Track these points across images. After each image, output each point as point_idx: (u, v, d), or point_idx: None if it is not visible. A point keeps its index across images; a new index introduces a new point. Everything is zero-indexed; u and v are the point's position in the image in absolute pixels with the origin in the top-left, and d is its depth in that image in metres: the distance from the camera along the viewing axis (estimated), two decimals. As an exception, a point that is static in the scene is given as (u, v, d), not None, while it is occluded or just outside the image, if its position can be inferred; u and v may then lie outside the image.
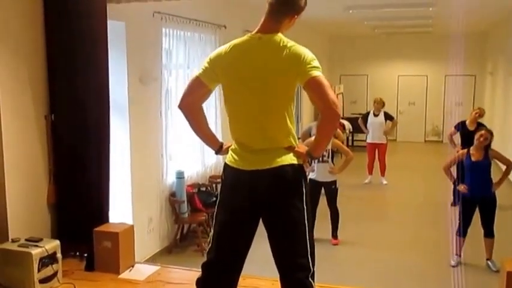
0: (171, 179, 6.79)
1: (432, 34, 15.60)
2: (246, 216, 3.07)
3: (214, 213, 3.18)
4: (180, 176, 6.77)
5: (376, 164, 10.98)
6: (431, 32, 14.99)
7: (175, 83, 6.94)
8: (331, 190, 7.09)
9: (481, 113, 8.57)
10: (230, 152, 3.12)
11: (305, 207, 3.01)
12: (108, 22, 4.71)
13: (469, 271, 6.25)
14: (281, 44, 2.91)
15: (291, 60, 2.87)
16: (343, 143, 13.90)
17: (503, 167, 6.41)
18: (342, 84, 16.83)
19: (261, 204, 3.02)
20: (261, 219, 3.09)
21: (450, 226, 6.70)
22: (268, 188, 2.97)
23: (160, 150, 6.54)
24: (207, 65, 3.07)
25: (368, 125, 10.91)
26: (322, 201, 7.16)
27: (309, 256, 3.01)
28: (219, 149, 3.31)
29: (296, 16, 3.04)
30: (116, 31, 5.46)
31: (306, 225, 3.00)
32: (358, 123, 11.43)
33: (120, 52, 5.67)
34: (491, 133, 6.35)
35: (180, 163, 7.02)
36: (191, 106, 3.12)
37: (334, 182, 7.05)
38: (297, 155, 3.04)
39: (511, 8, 10.28)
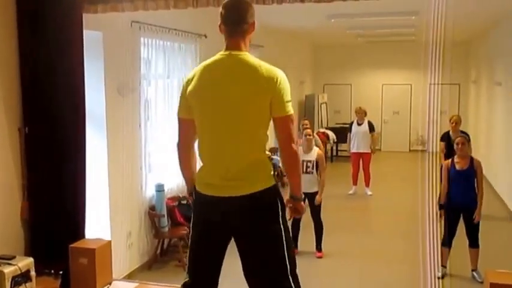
0: (150, 192, 6.72)
1: (415, 43, 15.69)
2: (218, 240, 3.10)
3: (190, 235, 3.20)
4: (159, 189, 6.70)
5: (361, 174, 10.97)
6: (414, 40, 15.09)
7: (155, 93, 6.89)
8: (315, 201, 7.06)
9: (456, 121, 8.63)
10: (199, 176, 3.10)
11: (282, 227, 3.01)
12: (85, 32, 4.67)
13: (456, 282, 6.28)
14: (252, 64, 2.93)
15: (265, 84, 2.89)
16: (327, 153, 14.00)
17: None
18: (325, 94, 16.89)
19: (236, 231, 3.04)
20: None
21: (435, 237, 6.70)
22: (241, 216, 2.98)
23: (139, 162, 6.47)
24: (180, 96, 3.12)
25: (352, 135, 10.93)
26: (306, 212, 7.12)
27: (290, 276, 3.00)
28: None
29: (252, 29, 3.06)
30: (92, 41, 5.40)
31: (285, 245, 3.00)
32: (345, 135, 11.41)
33: (97, 62, 5.60)
34: (467, 138, 6.44)
35: (160, 176, 6.95)
36: (183, 145, 3.18)
37: (318, 193, 7.02)
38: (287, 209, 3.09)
39: (493, 18, 10.39)
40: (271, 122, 3.00)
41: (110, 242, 4.69)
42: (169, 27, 6.84)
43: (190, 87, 3.01)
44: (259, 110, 2.91)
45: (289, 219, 3.18)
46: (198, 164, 3.20)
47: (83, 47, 4.51)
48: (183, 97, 3.09)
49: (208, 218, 3.05)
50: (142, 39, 6.39)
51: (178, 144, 3.21)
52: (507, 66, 10.22)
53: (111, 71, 5.81)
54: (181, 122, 3.14)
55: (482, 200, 6.19)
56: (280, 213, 3.02)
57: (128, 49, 6.13)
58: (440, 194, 6.41)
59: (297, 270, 3.09)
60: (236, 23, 2.99)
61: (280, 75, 2.94)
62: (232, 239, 3.12)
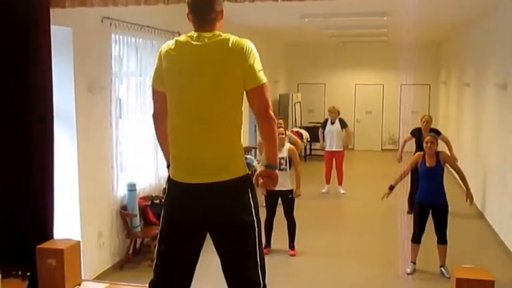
0: (122, 191, 6.58)
1: (388, 43, 15.82)
2: (191, 233, 2.97)
3: (159, 228, 3.06)
4: (131, 188, 6.57)
5: (334, 173, 10.96)
6: (387, 41, 15.20)
7: (127, 91, 6.76)
8: (288, 199, 7.01)
9: (427, 120, 8.72)
10: (172, 163, 3.00)
11: (254, 218, 2.94)
12: (53, 28, 4.53)
13: (424, 278, 6.31)
14: (222, 38, 2.87)
15: (236, 56, 2.83)
16: (300, 152, 13.99)
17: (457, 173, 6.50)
18: (299, 93, 16.89)
19: (207, 220, 2.92)
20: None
21: (405, 234, 6.72)
22: (214, 204, 2.88)
23: (110, 161, 6.33)
24: (155, 68, 3.03)
25: (325, 133, 10.92)
26: (279, 210, 7.08)
27: (259, 270, 2.94)
28: None
29: (220, 17, 2.99)
30: (61, 37, 5.27)
31: (256, 238, 2.94)
32: (318, 134, 11.38)
33: (66, 59, 5.46)
34: (435, 137, 6.50)
35: (132, 175, 6.82)
36: (158, 115, 3.10)
37: (291, 191, 6.98)
38: (259, 181, 3.02)
39: (461, 19, 10.49)
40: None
41: (79, 242, 4.56)
42: (141, 24, 6.72)
43: (164, 64, 2.93)
44: (232, 85, 2.84)
45: (263, 193, 3.09)
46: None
47: (50, 43, 4.36)
48: (157, 70, 3.01)
49: (181, 206, 2.94)
50: (113, 35, 6.26)
51: (154, 115, 3.13)
52: (476, 67, 10.34)
53: (81, 68, 5.67)
54: (156, 93, 3.06)
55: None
56: (253, 205, 2.94)
57: (98, 46, 6.00)
58: (398, 178, 6.52)
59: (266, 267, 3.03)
60: (204, 12, 2.92)
61: (249, 45, 2.88)
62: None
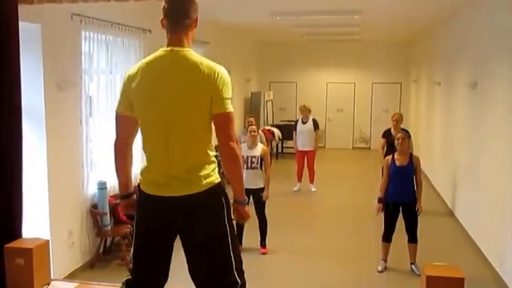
0: (92, 190, 6.55)
1: (359, 42, 15.98)
2: (162, 239, 3.03)
3: (133, 233, 3.11)
4: (102, 186, 6.53)
5: (305, 171, 11.05)
6: (358, 39, 15.34)
7: (97, 89, 6.72)
8: (260, 198, 7.05)
9: (398, 119, 8.82)
10: (142, 174, 3.02)
11: (227, 224, 2.98)
12: (21, 24, 4.46)
13: (395, 276, 6.40)
14: (194, 61, 2.87)
15: (206, 80, 2.83)
16: (272, 150, 14.05)
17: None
18: (271, 91, 16.95)
19: (180, 230, 2.98)
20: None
21: (376, 232, 6.82)
22: (185, 216, 2.92)
23: (80, 159, 6.28)
24: (121, 92, 3.02)
25: (297, 132, 10.98)
26: (251, 209, 7.10)
27: (235, 271, 2.99)
28: (127, 196, 3.23)
29: (194, 25, 3.01)
30: (30, 34, 5.22)
31: (230, 243, 2.97)
32: (290, 132, 11.44)
33: (35, 56, 5.41)
34: (407, 135, 6.59)
35: (103, 173, 6.78)
36: (122, 144, 3.09)
37: (262, 190, 7.02)
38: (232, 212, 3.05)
39: (431, 19, 10.65)
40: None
41: (47, 241, 4.50)
42: (112, 21, 6.68)
43: (132, 85, 2.93)
44: (200, 107, 2.85)
45: (234, 220, 3.14)
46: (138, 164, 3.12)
47: (18, 39, 4.31)
48: (124, 93, 3.00)
49: (152, 218, 2.98)
50: (83, 32, 6.21)
51: (116, 143, 3.11)
52: (446, 66, 10.50)
53: (51, 65, 5.62)
54: (120, 118, 3.05)
55: (421, 195, 6.38)
56: (226, 211, 2.98)
57: (68, 43, 5.95)
58: (382, 188, 6.50)
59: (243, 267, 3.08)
60: (179, 18, 2.93)
61: (220, 71, 2.89)
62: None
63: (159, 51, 2.95)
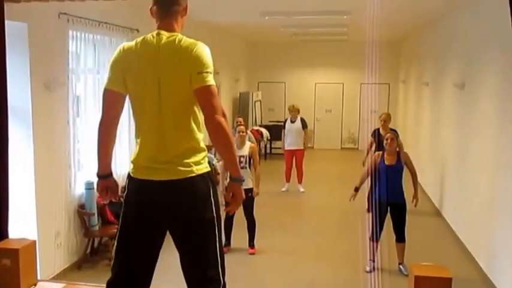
0: (80, 190, 6.53)
1: (348, 42, 16.04)
2: (151, 230, 2.98)
3: (118, 226, 3.07)
4: (89, 186, 6.51)
5: (294, 171, 11.09)
6: (347, 40, 15.41)
7: (84, 88, 6.71)
8: (248, 198, 7.03)
9: (385, 119, 8.89)
10: (133, 160, 3.00)
11: (215, 216, 2.96)
12: (7, 23, 4.47)
13: (383, 276, 6.43)
14: (174, 38, 2.88)
15: (184, 55, 2.83)
16: (260, 150, 14.07)
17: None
18: (260, 91, 16.97)
19: (168, 217, 2.94)
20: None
21: (365, 232, 6.85)
22: (175, 201, 2.90)
23: (67, 159, 6.27)
24: (111, 70, 2.99)
25: (286, 132, 11.02)
26: (239, 209, 7.11)
27: (219, 268, 2.97)
28: (105, 176, 3.17)
29: (184, 13, 3.02)
30: (16, 33, 5.19)
31: (216, 235, 2.97)
32: (279, 132, 11.47)
33: (21, 56, 5.39)
34: (395, 135, 6.66)
35: (90, 173, 6.76)
36: (108, 123, 3.03)
37: (251, 190, 7.03)
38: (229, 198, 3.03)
39: (420, 20, 10.73)
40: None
41: (34, 241, 4.50)
42: (99, 20, 6.66)
43: (125, 65, 2.92)
44: (183, 85, 2.83)
45: (229, 211, 3.11)
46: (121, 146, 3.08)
47: (4, 38, 4.30)
48: (117, 68, 2.95)
49: (140, 203, 2.94)
50: (70, 32, 6.19)
51: (101, 122, 3.03)
52: (434, 67, 10.59)
53: (38, 65, 5.60)
54: (109, 94, 2.97)
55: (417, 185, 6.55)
56: (213, 202, 2.96)
57: (55, 42, 5.93)
58: (361, 179, 6.62)
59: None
60: (168, 4, 2.94)
61: (198, 44, 2.88)
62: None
63: (149, 34, 2.95)
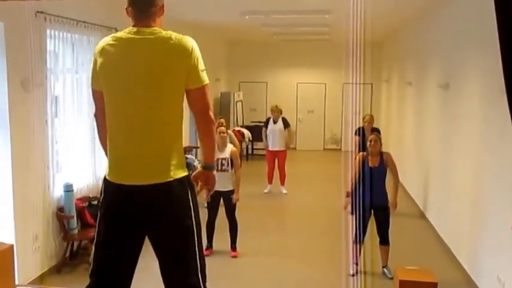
0: (58, 192, 6.51)
1: (330, 42, 16.11)
2: (128, 236, 2.96)
3: (95, 231, 3.03)
4: (68, 189, 6.50)
5: (276, 173, 11.13)
6: (328, 39, 15.48)
7: (63, 88, 6.69)
8: (230, 200, 7.10)
9: (368, 120, 8.98)
10: (108, 164, 2.97)
11: (193, 221, 2.95)
12: (-17, 22, 4.46)
13: (367, 279, 6.48)
14: (163, 35, 2.86)
15: (180, 54, 2.83)
16: (242, 151, 14.09)
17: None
18: (241, 92, 16.99)
19: (146, 223, 2.93)
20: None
21: (348, 235, 6.89)
22: (153, 206, 2.89)
23: (46, 161, 6.25)
24: (92, 67, 2.99)
25: (268, 133, 11.06)
26: (221, 211, 7.16)
27: (199, 274, 2.97)
28: None
29: (161, 12, 2.99)
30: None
31: (196, 241, 2.96)
32: (261, 133, 11.49)
33: (-3, 55, 5.37)
34: (379, 136, 6.71)
35: (69, 175, 6.75)
36: (102, 116, 3.02)
37: (232, 192, 7.08)
38: (197, 178, 3.12)
39: (401, 19, 10.82)
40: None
41: (12, 246, 4.49)
42: (77, 19, 6.65)
43: (99, 61, 2.89)
44: (173, 83, 2.84)
45: (206, 199, 3.16)
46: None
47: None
48: (94, 68, 2.95)
49: (118, 208, 2.91)
50: (48, 31, 6.18)
51: (96, 112, 3.09)
52: (417, 66, 10.68)
53: (14, 65, 5.59)
54: (95, 93, 3.01)
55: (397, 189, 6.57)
56: (192, 207, 2.95)
57: (32, 41, 5.89)
58: (351, 183, 6.59)
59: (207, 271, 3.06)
60: (144, 5, 2.90)
61: (193, 43, 2.90)
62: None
63: (127, 29, 2.91)
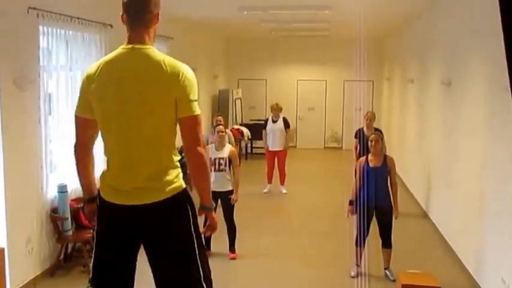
0: (52, 193, 6.45)
1: (330, 38, 16.07)
2: (124, 251, 3.00)
3: (93, 242, 3.08)
4: (62, 189, 6.44)
5: (276, 172, 11.08)
6: (328, 36, 15.44)
7: (57, 86, 6.64)
8: (228, 201, 7.05)
9: (370, 118, 8.93)
10: (103, 182, 2.99)
11: (193, 233, 2.97)
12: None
13: (369, 281, 6.41)
14: (156, 60, 2.85)
15: (170, 80, 2.81)
16: (241, 150, 14.04)
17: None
18: (240, 89, 16.93)
19: (143, 240, 2.97)
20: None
21: (350, 235, 6.85)
22: (150, 225, 2.91)
23: (39, 161, 6.19)
24: (79, 93, 2.98)
25: (267, 132, 11.00)
26: (219, 212, 7.10)
27: (204, 282, 2.98)
28: (92, 199, 3.15)
29: (156, 21, 2.98)
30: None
31: (197, 251, 2.97)
32: (260, 132, 11.42)
33: (-12, 52, 5.32)
34: (380, 135, 6.66)
35: (63, 175, 6.69)
36: (82, 147, 3.06)
37: (230, 192, 7.03)
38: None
39: (404, 15, 10.78)
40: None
41: (2, 249, 4.43)
42: (71, 15, 6.60)
43: (92, 86, 2.89)
44: (164, 110, 2.83)
45: (203, 234, 3.13)
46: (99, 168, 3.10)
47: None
48: (83, 94, 2.96)
49: (113, 228, 2.96)
50: (41, 27, 6.12)
51: (76, 146, 3.08)
52: (419, 64, 10.63)
53: (6, 62, 5.53)
54: (79, 121, 3.01)
55: (397, 197, 6.45)
56: (192, 219, 2.97)
57: (24, 38, 5.85)
58: (352, 191, 6.54)
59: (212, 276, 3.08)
60: (139, 13, 2.89)
61: (185, 71, 2.87)
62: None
63: (120, 49, 2.92)
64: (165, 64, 2.83)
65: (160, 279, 3.00)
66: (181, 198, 2.95)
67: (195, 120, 2.87)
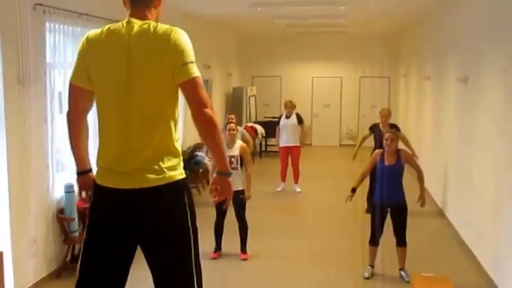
0: (59, 193, 6.36)
1: (346, 34, 15.93)
2: (120, 243, 2.83)
3: (83, 239, 2.92)
4: (69, 189, 6.33)
5: (290, 170, 10.93)
6: (345, 32, 15.29)
7: (64, 84, 6.53)
8: (240, 200, 6.91)
9: (386, 114, 8.80)
10: (98, 168, 2.85)
11: (190, 229, 2.82)
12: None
13: (383, 283, 6.29)
14: (147, 26, 2.73)
15: (161, 45, 2.69)
16: (255, 149, 13.92)
17: (417, 173, 6.53)
18: (254, 86, 16.85)
19: (138, 231, 2.80)
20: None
21: (364, 235, 6.72)
22: (145, 213, 2.75)
23: (45, 160, 6.09)
24: (77, 59, 2.87)
25: (280, 128, 10.86)
26: (230, 211, 6.98)
27: (196, 284, 2.84)
28: (84, 172, 3.04)
29: (158, 3, 2.90)
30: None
31: (192, 251, 2.83)
32: (275, 129, 11.29)
33: (-7, 49, 5.22)
34: (396, 133, 6.57)
35: (70, 175, 6.59)
36: (75, 117, 2.94)
37: (242, 192, 6.89)
38: (214, 185, 2.88)
39: (419, 12, 10.64)
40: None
41: (1, 253, 4.33)
42: (79, 11, 6.50)
43: (89, 57, 2.79)
44: (161, 78, 2.69)
45: (214, 203, 3.02)
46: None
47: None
48: (81, 58, 2.85)
49: (108, 214, 2.80)
50: (48, 24, 6.03)
51: (68, 114, 2.96)
52: (436, 60, 10.49)
53: (11, 59, 5.43)
54: (74, 89, 2.89)
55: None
56: (189, 212, 2.82)
57: (30, 35, 5.74)
58: (360, 179, 6.51)
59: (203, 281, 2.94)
60: None
61: (177, 31, 2.75)
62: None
63: (117, 23, 2.82)
64: (155, 29, 2.71)
65: (155, 281, 2.88)
66: (180, 188, 2.80)
67: (194, 82, 2.71)
